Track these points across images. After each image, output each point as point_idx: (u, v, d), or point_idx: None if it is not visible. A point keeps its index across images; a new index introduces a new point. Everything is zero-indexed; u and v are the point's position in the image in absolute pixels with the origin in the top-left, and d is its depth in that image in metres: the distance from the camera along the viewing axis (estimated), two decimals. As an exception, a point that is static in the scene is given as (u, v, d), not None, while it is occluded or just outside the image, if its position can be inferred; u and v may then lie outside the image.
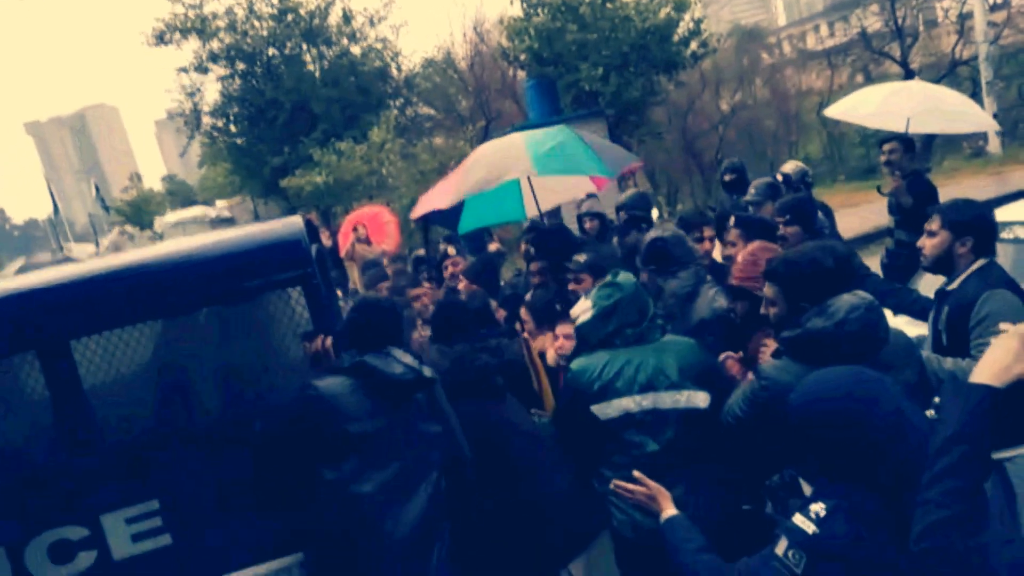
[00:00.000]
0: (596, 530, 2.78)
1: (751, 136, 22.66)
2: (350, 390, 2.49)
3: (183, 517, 2.65)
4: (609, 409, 2.75)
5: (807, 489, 2.51)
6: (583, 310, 2.90)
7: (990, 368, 1.43)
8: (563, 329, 3.52)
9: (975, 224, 2.91)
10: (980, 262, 2.90)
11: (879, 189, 5.44)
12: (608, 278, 2.91)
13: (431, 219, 5.96)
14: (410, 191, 15.84)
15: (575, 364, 2.88)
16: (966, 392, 1.43)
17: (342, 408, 2.46)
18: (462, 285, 4.70)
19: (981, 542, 1.32)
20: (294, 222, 2.89)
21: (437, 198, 4.95)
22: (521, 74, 15.97)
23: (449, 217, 5.24)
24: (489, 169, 4.52)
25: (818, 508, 1.69)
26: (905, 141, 4.89)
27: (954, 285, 2.93)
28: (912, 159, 4.92)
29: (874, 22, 22.17)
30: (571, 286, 3.93)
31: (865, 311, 2.25)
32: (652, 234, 3.61)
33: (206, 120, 19.61)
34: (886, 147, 4.94)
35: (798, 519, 1.71)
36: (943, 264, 2.98)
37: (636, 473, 2.11)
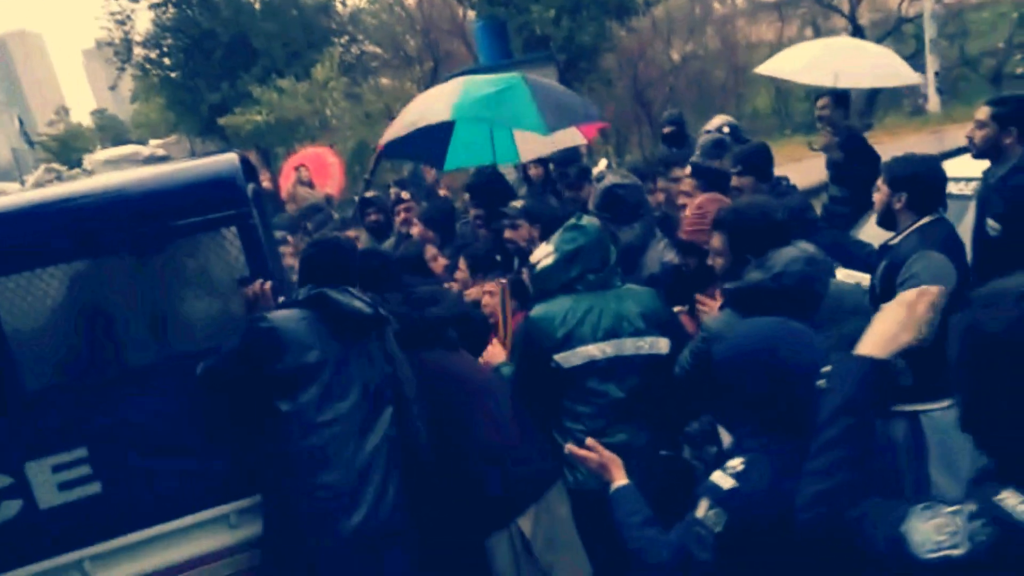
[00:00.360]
0: (547, 483, 2.76)
1: (701, 87, 22.65)
2: (305, 322, 2.49)
3: (113, 465, 2.54)
4: (573, 357, 2.71)
5: (726, 437, 2.55)
6: (544, 255, 2.83)
7: (874, 339, 1.41)
8: (489, 286, 3.45)
9: (910, 180, 2.90)
10: (925, 219, 2.88)
11: (810, 145, 5.51)
12: (572, 221, 2.85)
13: (409, 155, 5.63)
14: (355, 133, 15.39)
15: (535, 311, 2.81)
16: (851, 363, 1.42)
17: (298, 338, 2.45)
18: (416, 231, 4.57)
19: (864, 511, 1.32)
20: (229, 159, 2.73)
21: (405, 122, 4.70)
22: (471, 14, 15.53)
23: (432, 153, 4.99)
24: (417, 111, 4.35)
25: (736, 463, 1.67)
26: (838, 97, 4.87)
27: (895, 241, 2.94)
28: (845, 115, 4.92)
29: (825, -26, 22.20)
30: (507, 233, 3.85)
31: (804, 264, 2.23)
32: (609, 180, 3.55)
33: (138, 51, 18.61)
34: (820, 102, 4.96)
35: (716, 476, 1.69)
36: (887, 219, 2.99)
37: (589, 440, 2.08)
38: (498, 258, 3.60)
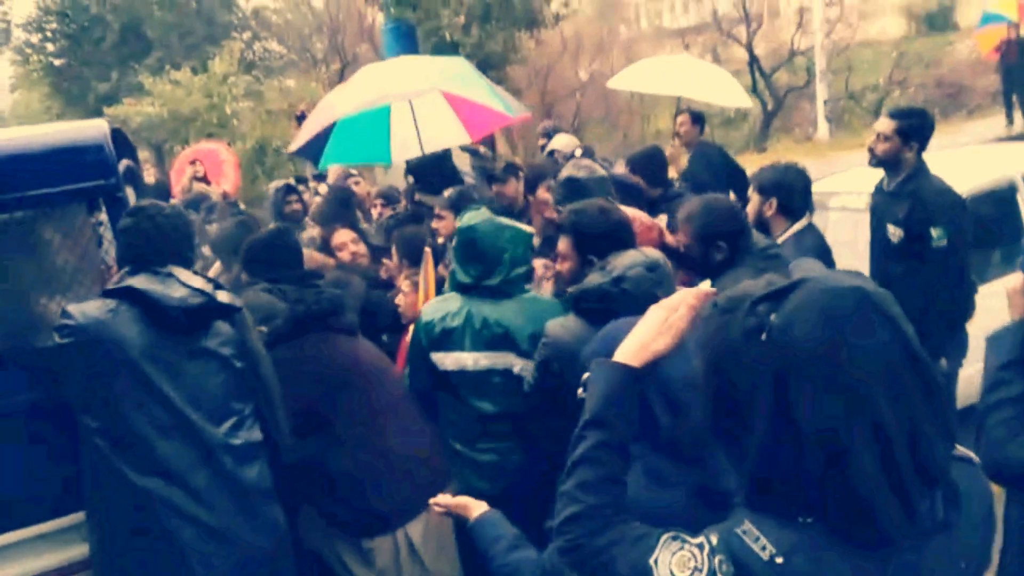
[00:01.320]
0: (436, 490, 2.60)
1: (607, 105, 23.18)
2: (119, 317, 2.04)
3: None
4: (447, 360, 2.59)
5: None
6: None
7: (630, 345, 1.25)
8: (404, 282, 3.29)
9: (777, 185, 3.04)
10: (797, 225, 3.02)
11: None
12: (464, 220, 2.66)
13: (302, 152, 5.35)
14: (255, 131, 14.81)
15: (425, 305, 2.72)
16: (604, 371, 1.25)
17: (107, 336, 2.03)
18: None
19: (615, 538, 1.15)
20: (97, 124, 2.46)
21: (315, 120, 4.46)
22: (380, 17, 15.30)
23: (310, 149, 4.76)
24: (386, 85, 4.12)
25: None
26: (695, 116, 5.36)
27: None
28: (700, 132, 5.40)
29: (724, 5, 23.25)
30: (433, 223, 3.73)
31: (644, 269, 2.12)
32: (568, 171, 3.39)
33: (17, 34, 17.31)
34: (679, 119, 5.42)
35: None
36: (761, 227, 3.09)
37: (434, 500, 1.90)
38: (427, 246, 3.44)
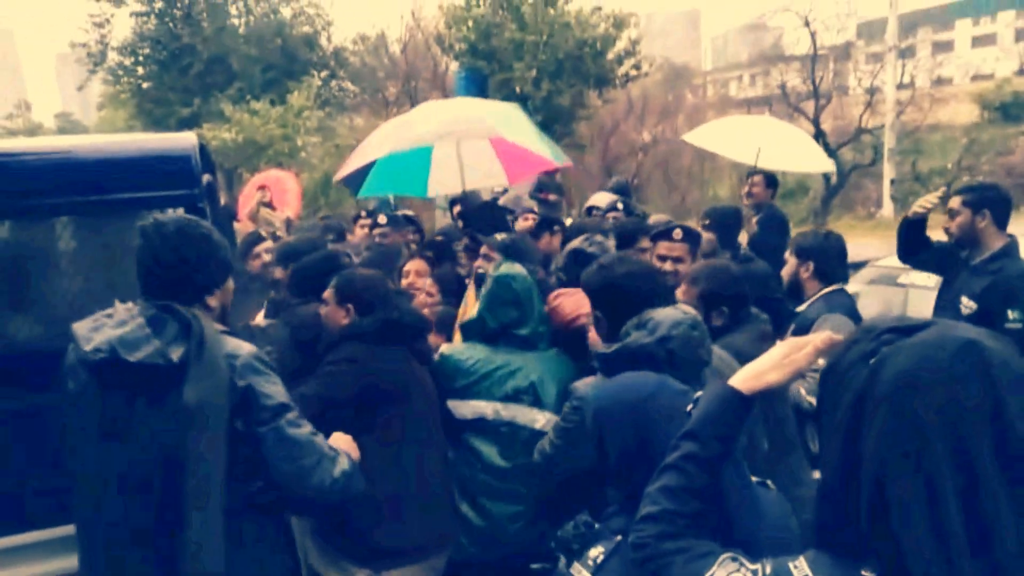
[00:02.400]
0: (437, 550, 2.47)
1: (667, 169, 23.29)
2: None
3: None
4: (464, 408, 2.53)
5: None
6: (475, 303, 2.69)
7: (746, 372, 1.30)
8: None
9: (816, 251, 3.09)
10: (829, 288, 3.06)
11: None
12: (501, 270, 2.63)
13: (379, 188, 5.49)
14: (323, 164, 15.27)
15: (444, 349, 2.64)
16: (714, 390, 1.30)
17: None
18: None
19: (681, 547, 1.18)
20: (187, 137, 2.58)
21: (363, 152, 4.57)
22: (453, 66, 15.78)
23: (354, 179, 4.89)
24: (443, 124, 4.21)
25: (596, 553, 1.47)
26: (769, 179, 5.22)
27: (802, 308, 3.08)
28: (772, 195, 5.27)
29: (793, 78, 23.32)
30: (478, 263, 3.75)
31: (688, 327, 1.98)
32: (574, 244, 3.38)
33: (112, 56, 18.30)
34: (750, 179, 5.25)
35: (575, 569, 1.50)
36: (793, 289, 3.17)
37: None
38: (467, 282, 3.46)
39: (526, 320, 2.57)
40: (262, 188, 8.80)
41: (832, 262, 3.10)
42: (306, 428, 1.84)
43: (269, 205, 8.62)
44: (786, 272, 3.19)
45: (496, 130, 4.22)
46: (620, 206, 5.32)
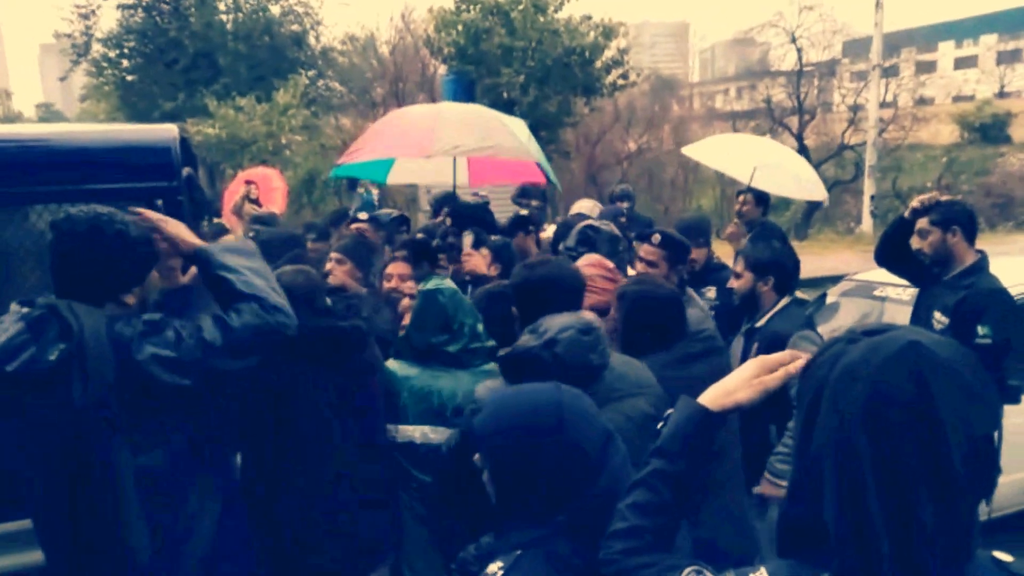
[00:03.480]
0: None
1: (651, 179, 23.44)
2: None
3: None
4: (396, 433, 2.47)
5: None
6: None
7: (715, 390, 1.30)
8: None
9: (774, 265, 3.17)
10: (786, 300, 3.14)
11: (717, 232, 5.71)
12: (426, 284, 2.55)
13: (348, 170, 5.40)
14: (307, 163, 15.20)
15: (389, 363, 2.56)
16: (683, 407, 1.29)
17: None
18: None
19: (646, 562, 1.18)
20: (168, 128, 2.54)
21: (371, 148, 4.47)
22: (442, 69, 15.78)
23: (373, 166, 4.85)
24: (488, 138, 4.07)
25: (495, 568, 1.38)
26: (759, 197, 5.19)
27: (761, 322, 3.13)
28: (764, 213, 5.22)
29: (778, 93, 23.58)
30: (463, 265, 3.76)
31: (577, 332, 1.96)
32: (587, 221, 3.45)
33: (97, 48, 18.10)
34: (741, 197, 5.23)
35: None
36: (750, 303, 3.23)
37: None
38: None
39: (455, 337, 2.48)
40: (249, 183, 8.75)
41: (791, 275, 3.19)
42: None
43: (255, 201, 8.57)
44: (740, 286, 3.23)
45: (532, 155, 4.13)
46: (624, 208, 5.52)
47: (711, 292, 4.04)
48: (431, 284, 2.54)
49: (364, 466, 2.47)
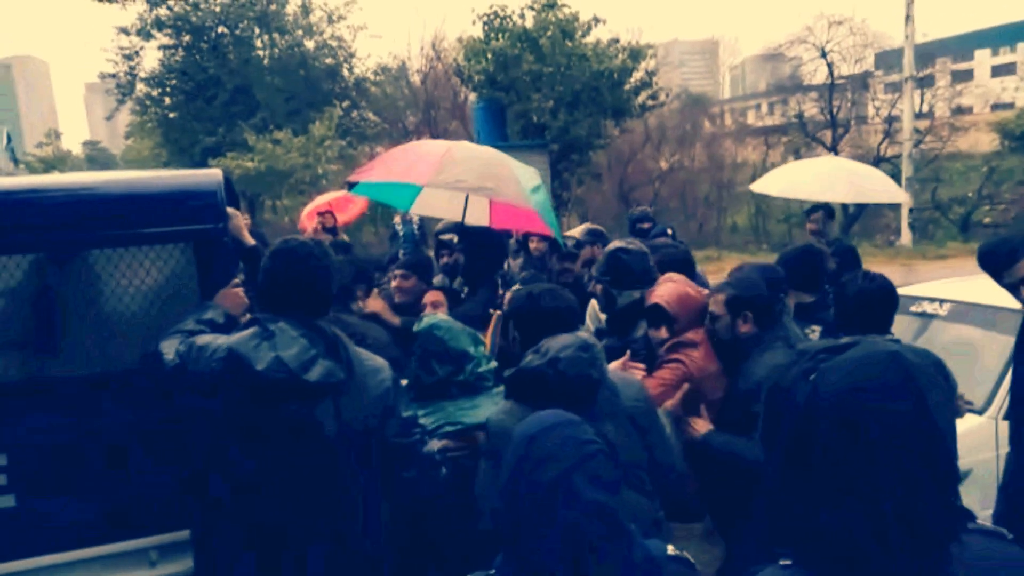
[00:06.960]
0: None
1: (684, 197, 23.34)
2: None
3: (32, 478, 2.35)
4: None
5: None
6: None
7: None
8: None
9: (755, 300, 2.81)
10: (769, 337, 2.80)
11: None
12: (423, 322, 2.62)
13: (371, 192, 5.51)
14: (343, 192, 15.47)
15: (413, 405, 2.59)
16: None
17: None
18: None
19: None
20: (214, 173, 2.67)
21: (391, 170, 4.54)
22: (472, 96, 16.01)
23: (399, 193, 4.93)
24: (489, 179, 4.15)
25: None
26: (828, 210, 5.09)
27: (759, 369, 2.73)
28: (832, 226, 5.19)
29: (811, 107, 23.38)
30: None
31: (576, 350, 2.09)
32: (614, 244, 3.42)
33: (140, 87, 18.77)
34: (813, 216, 5.13)
35: None
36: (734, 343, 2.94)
37: None
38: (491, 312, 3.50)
39: (460, 366, 2.55)
40: (327, 212, 8.94)
41: (771, 306, 2.82)
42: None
43: (330, 230, 8.79)
44: (719, 327, 2.82)
45: (532, 206, 4.14)
46: (669, 231, 5.77)
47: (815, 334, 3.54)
48: (424, 323, 2.62)
49: None
